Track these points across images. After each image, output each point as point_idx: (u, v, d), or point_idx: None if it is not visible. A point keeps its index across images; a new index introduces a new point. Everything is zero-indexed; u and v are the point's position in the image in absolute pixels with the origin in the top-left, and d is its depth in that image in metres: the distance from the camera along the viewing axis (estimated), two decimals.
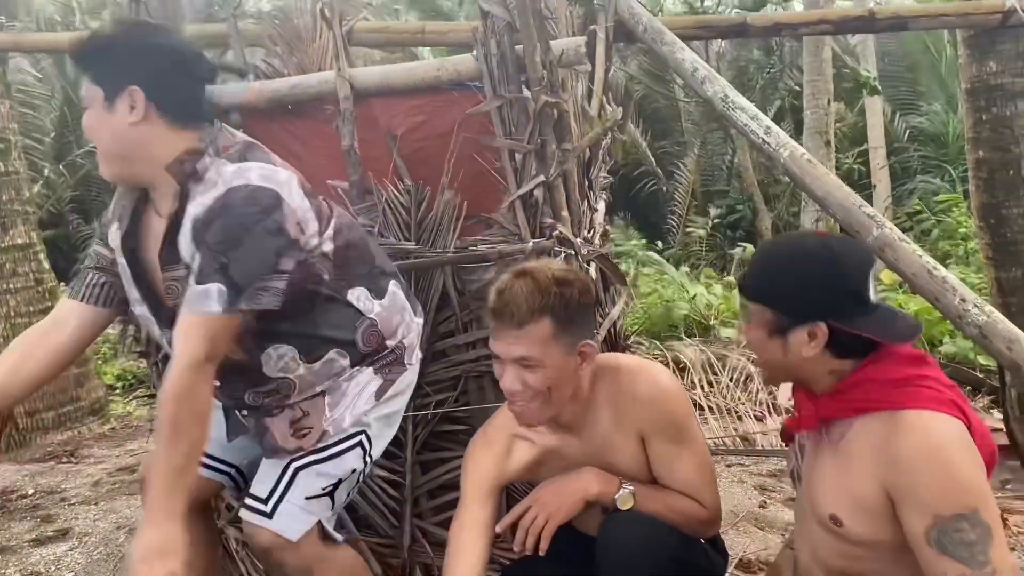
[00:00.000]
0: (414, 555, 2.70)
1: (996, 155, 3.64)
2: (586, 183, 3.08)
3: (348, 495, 2.16)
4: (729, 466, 4.34)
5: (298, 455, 2.04)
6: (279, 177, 1.89)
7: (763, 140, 3.09)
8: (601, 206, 3.32)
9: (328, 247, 1.99)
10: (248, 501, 2.05)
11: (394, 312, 2.14)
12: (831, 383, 1.61)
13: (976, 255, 7.59)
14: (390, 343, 2.13)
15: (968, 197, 10.23)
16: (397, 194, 2.70)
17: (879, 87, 10.81)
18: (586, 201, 3.01)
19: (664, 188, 13.59)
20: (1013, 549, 3.14)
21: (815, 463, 1.69)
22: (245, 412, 2.11)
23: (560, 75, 2.63)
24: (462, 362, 2.69)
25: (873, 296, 1.56)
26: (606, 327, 2.98)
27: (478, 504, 1.92)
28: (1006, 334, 2.45)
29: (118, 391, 6.70)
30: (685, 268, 9.45)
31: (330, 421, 2.05)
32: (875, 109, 12.22)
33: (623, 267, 7.93)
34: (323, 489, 2.05)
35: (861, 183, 11.98)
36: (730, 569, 2.77)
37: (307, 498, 2.02)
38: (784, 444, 1.88)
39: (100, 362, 6.98)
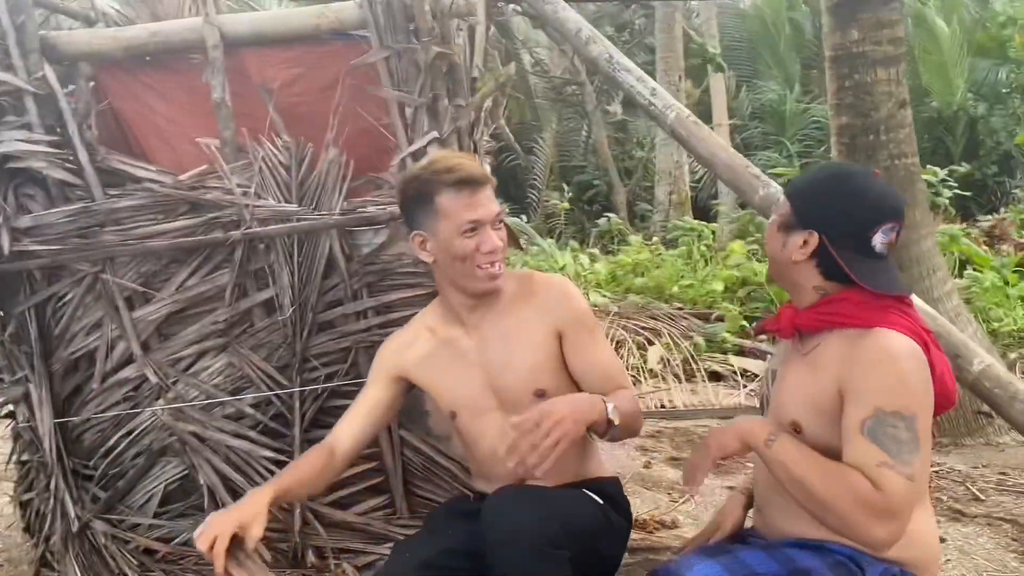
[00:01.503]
0: (306, 538, 2.53)
1: (858, 121, 3.80)
2: (472, 146, 2.97)
3: None
4: None
5: None
6: None
7: (649, 101, 3.08)
8: (487, 170, 3.22)
9: None
10: None
11: None
12: (814, 299, 1.67)
13: None
14: None
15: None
16: (275, 151, 2.49)
17: (724, 64, 11.24)
18: None
19: (523, 163, 13.64)
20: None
21: (785, 374, 1.76)
22: None
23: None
24: (352, 332, 2.53)
25: (878, 245, 1.61)
26: None
27: (375, 386, 2.02)
28: None
29: None
30: (551, 240, 9.53)
31: None
32: (719, 87, 12.70)
33: None
34: None
35: None
36: None
37: None
38: (753, 337, 1.93)
39: None
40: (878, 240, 1.60)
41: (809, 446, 1.59)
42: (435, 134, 2.46)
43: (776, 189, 2.84)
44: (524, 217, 11.42)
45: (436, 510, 2.19)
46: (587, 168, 13.56)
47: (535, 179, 13.29)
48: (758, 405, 2.00)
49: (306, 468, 1.90)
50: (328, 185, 2.49)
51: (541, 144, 13.47)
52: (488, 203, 1.88)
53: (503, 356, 1.96)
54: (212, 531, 1.60)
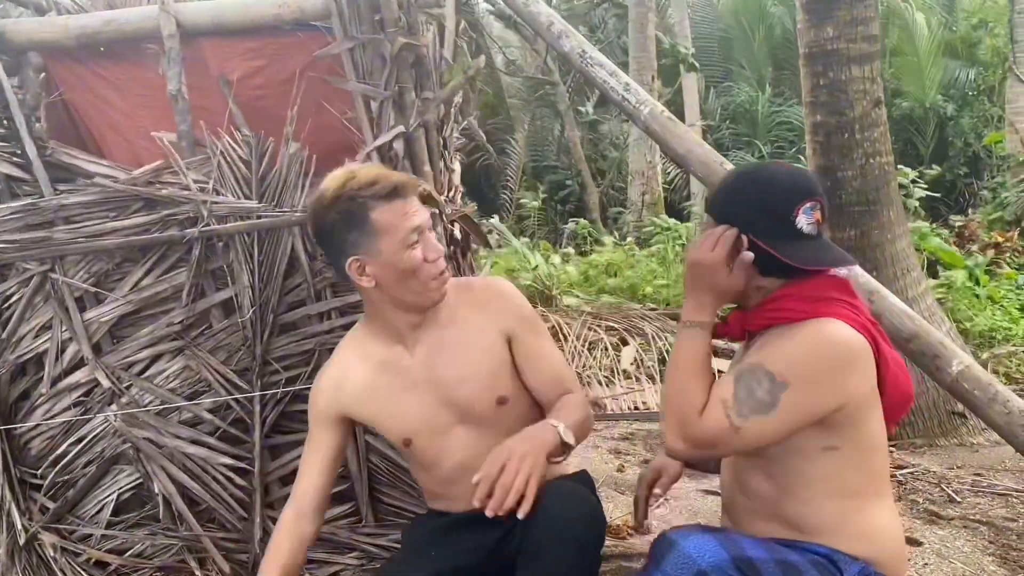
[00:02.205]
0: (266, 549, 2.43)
1: (832, 119, 3.76)
2: (440, 142, 2.89)
3: None
4: None
5: None
6: None
7: (623, 97, 3.01)
8: (457, 167, 3.14)
9: None
10: None
11: None
12: (757, 299, 1.66)
13: None
14: None
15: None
16: (234, 146, 2.39)
17: (696, 64, 11.25)
18: (442, 161, 2.81)
19: (495, 163, 13.57)
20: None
21: None
22: None
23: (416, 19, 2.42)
24: (315, 334, 2.44)
25: (805, 226, 1.59)
26: None
27: (319, 433, 1.92)
28: (867, 286, 2.49)
29: None
30: (525, 239, 9.46)
31: None
32: (691, 87, 12.70)
33: None
34: None
35: None
36: None
37: None
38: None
39: None
40: (803, 221, 1.59)
41: (767, 452, 1.59)
42: (401, 128, 2.38)
43: None
44: (496, 217, 11.33)
45: (411, 530, 2.10)
46: (559, 168, 13.51)
47: (508, 179, 13.22)
48: None
49: (286, 547, 1.85)
50: (290, 181, 2.40)
51: (514, 144, 13.41)
52: (421, 208, 1.80)
53: (456, 369, 1.86)
54: None
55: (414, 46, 2.37)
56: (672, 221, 9.41)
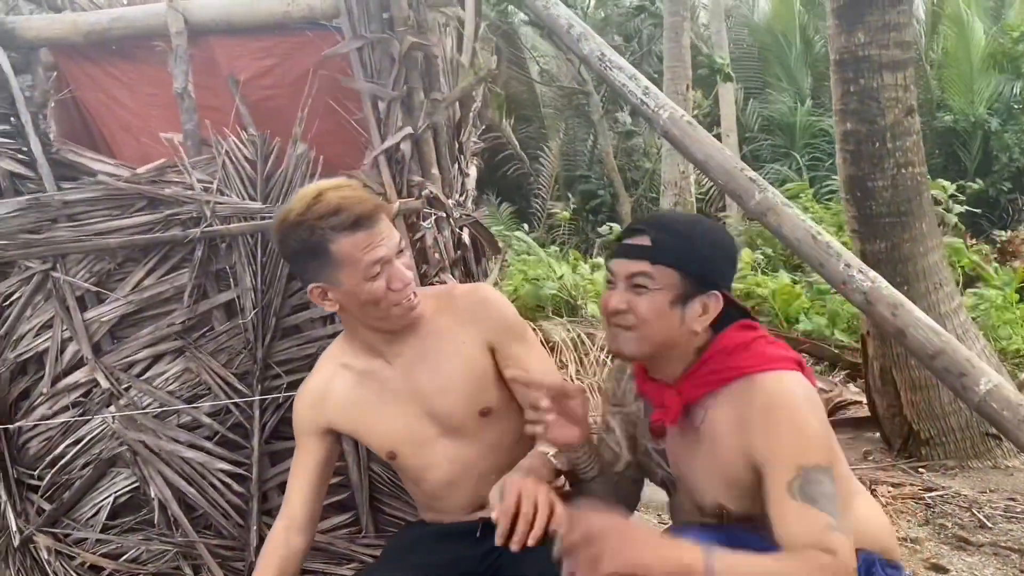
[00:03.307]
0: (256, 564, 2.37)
1: (863, 127, 3.62)
2: (456, 146, 2.83)
3: None
4: None
5: None
6: None
7: (641, 100, 2.92)
8: (473, 172, 3.08)
9: None
10: None
11: None
12: (692, 361, 1.57)
13: None
14: None
15: (813, 184, 10.86)
16: (239, 145, 2.35)
17: (732, 74, 11.11)
18: (456, 165, 2.75)
19: (528, 172, 13.51)
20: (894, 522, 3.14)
21: (685, 456, 1.62)
22: None
23: (429, 19, 2.37)
24: (318, 338, 2.38)
25: None
26: None
27: (306, 447, 1.88)
28: (891, 300, 2.37)
29: None
30: (554, 248, 9.38)
31: None
32: (728, 98, 12.54)
33: None
34: None
35: None
36: None
37: None
38: (656, 441, 1.72)
39: None
40: None
41: (740, 522, 1.53)
42: (408, 129, 2.32)
43: (773, 193, 2.68)
44: (527, 226, 11.26)
45: (397, 536, 2.04)
46: (592, 178, 13.41)
47: (540, 188, 13.15)
48: (659, 484, 1.79)
49: (276, 562, 1.82)
50: (295, 181, 2.35)
51: (547, 153, 13.33)
52: (388, 236, 1.70)
53: (436, 380, 1.80)
54: None
55: (423, 46, 2.32)
56: None
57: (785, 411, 1.45)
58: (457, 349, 1.81)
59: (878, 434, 4.01)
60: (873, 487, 3.41)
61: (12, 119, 2.32)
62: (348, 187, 1.74)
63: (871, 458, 3.86)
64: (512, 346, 1.83)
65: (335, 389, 1.84)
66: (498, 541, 1.49)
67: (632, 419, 1.75)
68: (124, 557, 2.38)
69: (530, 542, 1.47)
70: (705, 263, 1.54)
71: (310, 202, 1.67)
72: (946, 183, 7.86)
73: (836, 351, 5.73)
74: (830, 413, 4.56)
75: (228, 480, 2.36)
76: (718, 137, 12.83)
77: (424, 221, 2.36)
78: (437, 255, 2.35)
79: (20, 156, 2.31)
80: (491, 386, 1.82)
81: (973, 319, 4.44)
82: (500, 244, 2.97)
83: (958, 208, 7.87)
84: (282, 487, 2.39)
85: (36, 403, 2.37)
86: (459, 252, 2.49)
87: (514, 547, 1.48)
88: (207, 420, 2.37)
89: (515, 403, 1.84)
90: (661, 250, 1.53)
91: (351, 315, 1.77)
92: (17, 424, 2.39)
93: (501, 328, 1.83)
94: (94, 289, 2.34)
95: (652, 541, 1.38)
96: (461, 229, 2.54)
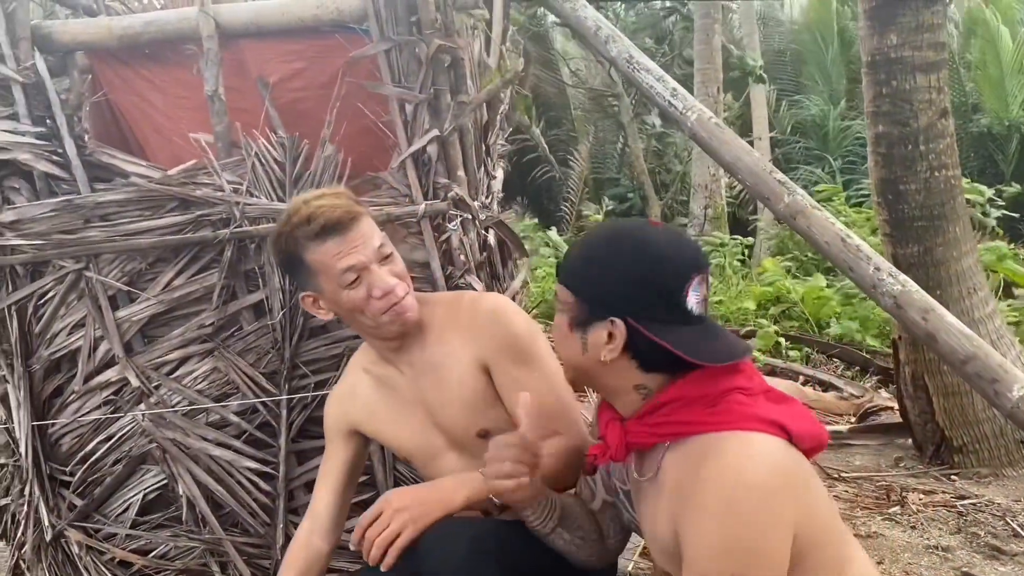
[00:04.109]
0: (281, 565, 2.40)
1: (895, 130, 3.58)
2: (483, 148, 2.84)
3: None
4: None
5: None
6: None
7: (669, 103, 2.90)
8: (499, 174, 3.08)
9: None
10: None
11: None
12: (636, 402, 1.38)
13: None
14: None
15: (847, 188, 10.73)
16: (269, 147, 2.37)
17: (765, 76, 11.02)
18: (483, 167, 2.76)
19: (557, 176, 13.51)
20: (914, 527, 3.10)
21: (639, 504, 1.47)
22: None
23: (456, 22, 2.38)
24: (345, 338, 2.39)
25: (694, 306, 1.33)
26: None
27: (334, 449, 1.90)
28: (921, 304, 2.33)
29: None
30: None
31: None
32: (760, 100, 12.45)
33: None
34: None
35: None
36: None
37: None
38: (585, 474, 1.64)
39: None
40: (692, 300, 1.32)
41: None
42: (435, 132, 2.33)
43: (803, 196, 2.65)
44: (556, 230, 11.26)
45: None
46: (622, 181, 13.37)
47: (569, 192, 13.14)
48: (627, 525, 1.69)
49: (300, 564, 1.85)
50: (323, 183, 2.36)
51: (576, 156, 13.33)
52: (362, 243, 1.67)
53: (438, 394, 1.77)
54: None
55: (451, 48, 2.33)
56: (726, 237, 9.21)
57: (725, 491, 1.20)
58: (453, 365, 1.77)
59: (910, 440, 3.95)
60: (904, 494, 3.37)
61: (48, 121, 2.36)
62: (330, 195, 1.73)
63: (903, 464, 3.81)
64: (510, 368, 1.73)
65: (359, 393, 1.87)
66: (351, 546, 1.62)
67: None
68: (153, 553, 2.41)
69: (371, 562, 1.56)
70: (596, 286, 1.35)
71: (291, 212, 1.70)
72: (983, 187, 7.73)
73: (867, 355, 5.66)
74: (861, 418, 4.51)
75: (255, 478, 2.39)
76: (751, 142, 12.76)
77: (450, 223, 2.37)
78: (463, 257, 2.36)
79: (55, 158, 2.35)
80: (488, 408, 1.75)
81: (1013, 325, 4.36)
82: (527, 247, 2.96)
83: (995, 212, 7.73)
84: (308, 486, 2.42)
85: (69, 400, 2.41)
86: (485, 254, 2.50)
87: (370, 562, 1.57)
88: (235, 419, 2.39)
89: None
90: (562, 268, 1.43)
91: (350, 322, 1.80)
92: (51, 422, 2.43)
93: (501, 346, 1.73)
94: (126, 289, 2.37)
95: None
96: (487, 231, 2.54)
